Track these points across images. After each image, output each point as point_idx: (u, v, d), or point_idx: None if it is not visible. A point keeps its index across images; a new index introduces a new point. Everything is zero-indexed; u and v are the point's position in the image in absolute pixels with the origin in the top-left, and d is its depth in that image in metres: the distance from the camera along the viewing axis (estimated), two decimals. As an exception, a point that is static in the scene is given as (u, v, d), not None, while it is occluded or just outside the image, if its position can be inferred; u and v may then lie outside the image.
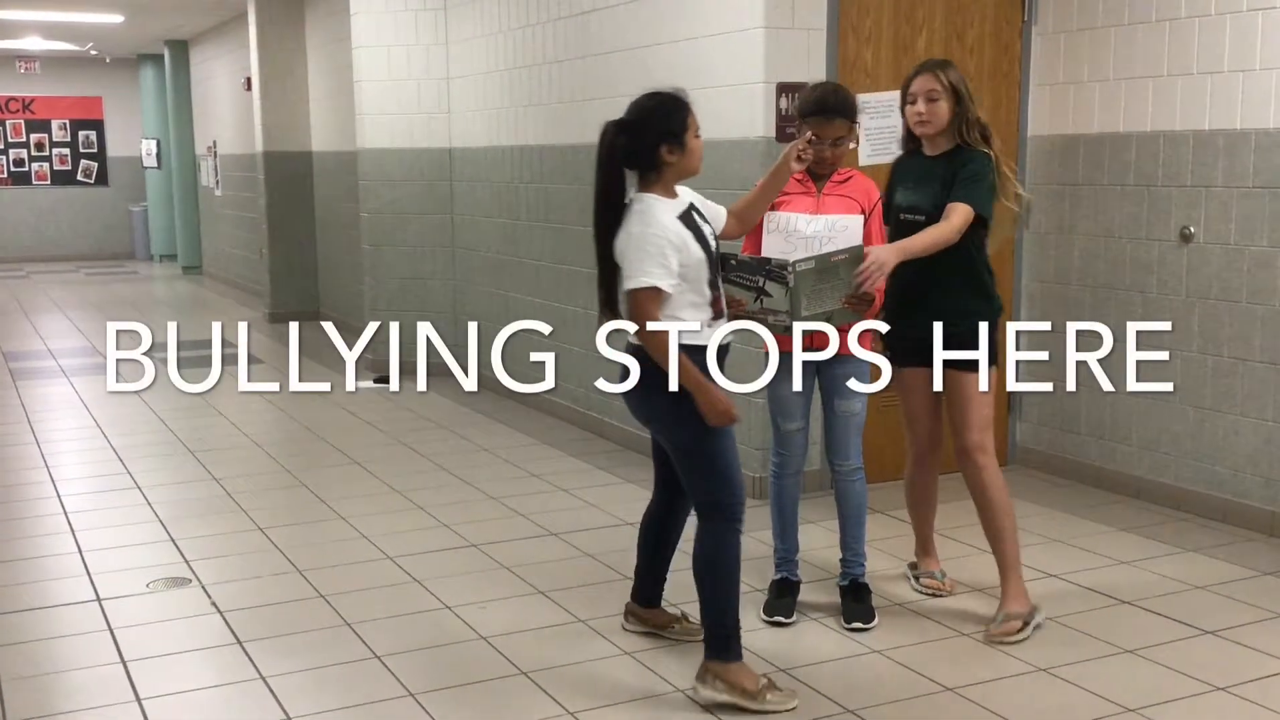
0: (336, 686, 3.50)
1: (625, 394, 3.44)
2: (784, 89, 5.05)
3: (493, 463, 6.05)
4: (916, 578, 4.20)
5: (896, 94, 5.20)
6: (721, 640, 3.33)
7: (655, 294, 3.23)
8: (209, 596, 4.20)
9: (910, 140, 3.91)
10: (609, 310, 3.39)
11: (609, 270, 3.34)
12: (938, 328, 3.72)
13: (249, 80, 11.63)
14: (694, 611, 3.51)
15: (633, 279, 3.24)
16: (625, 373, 3.40)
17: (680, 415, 3.29)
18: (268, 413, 7.43)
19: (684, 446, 3.38)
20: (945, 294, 3.77)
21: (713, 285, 3.37)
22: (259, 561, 4.57)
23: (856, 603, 3.90)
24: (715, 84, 5.39)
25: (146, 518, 5.15)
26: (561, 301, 6.97)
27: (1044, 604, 3.90)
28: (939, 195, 3.70)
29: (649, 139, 3.32)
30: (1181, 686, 3.41)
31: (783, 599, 3.93)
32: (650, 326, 3.24)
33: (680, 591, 3.80)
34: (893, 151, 5.10)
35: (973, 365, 3.76)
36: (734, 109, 5.24)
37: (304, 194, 11.24)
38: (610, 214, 3.32)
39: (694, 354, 3.27)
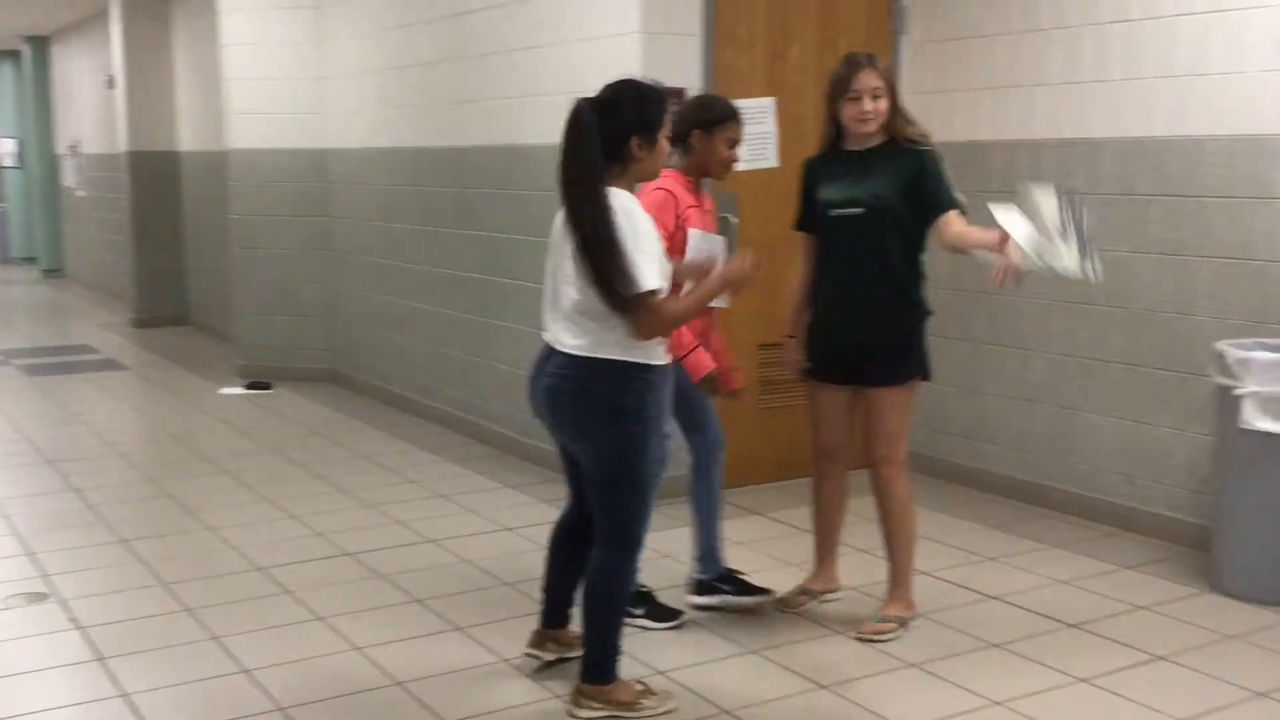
0: (202, 703, 3.40)
1: (554, 404, 3.19)
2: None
3: (370, 469, 5.95)
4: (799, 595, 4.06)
5: (771, 100, 5.27)
6: (600, 665, 3.28)
7: (655, 299, 3.01)
8: (68, 612, 4.04)
9: (833, 138, 3.78)
10: (561, 312, 3.12)
11: (577, 264, 3.01)
12: (870, 335, 3.73)
13: (112, 78, 11.24)
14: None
15: (642, 282, 2.96)
16: (553, 385, 3.16)
17: (614, 439, 3.11)
18: (132, 420, 7.19)
19: (610, 473, 3.16)
20: (884, 303, 3.73)
21: (675, 286, 3.25)
22: (121, 575, 4.41)
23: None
24: (591, 88, 5.37)
25: (2, 531, 4.94)
26: (440, 306, 6.89)
27: (915, 599, 3.98)
28: (882, 188, 3.65)
29: (622, 125, 3.05)
30: (1045, 679, 3.51)
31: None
32: (665, 325, 3.07)
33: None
34: (768, 158, 5.17)
35: (901, 376, 3.77)
36: (611, 113, 5.24)
37: (171, 195, 10.91)
38: (589, 204, 2.98)
39: (648, 373, 3.09)
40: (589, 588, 3.28)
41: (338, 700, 3.40)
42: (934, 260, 5.65)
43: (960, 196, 3.70)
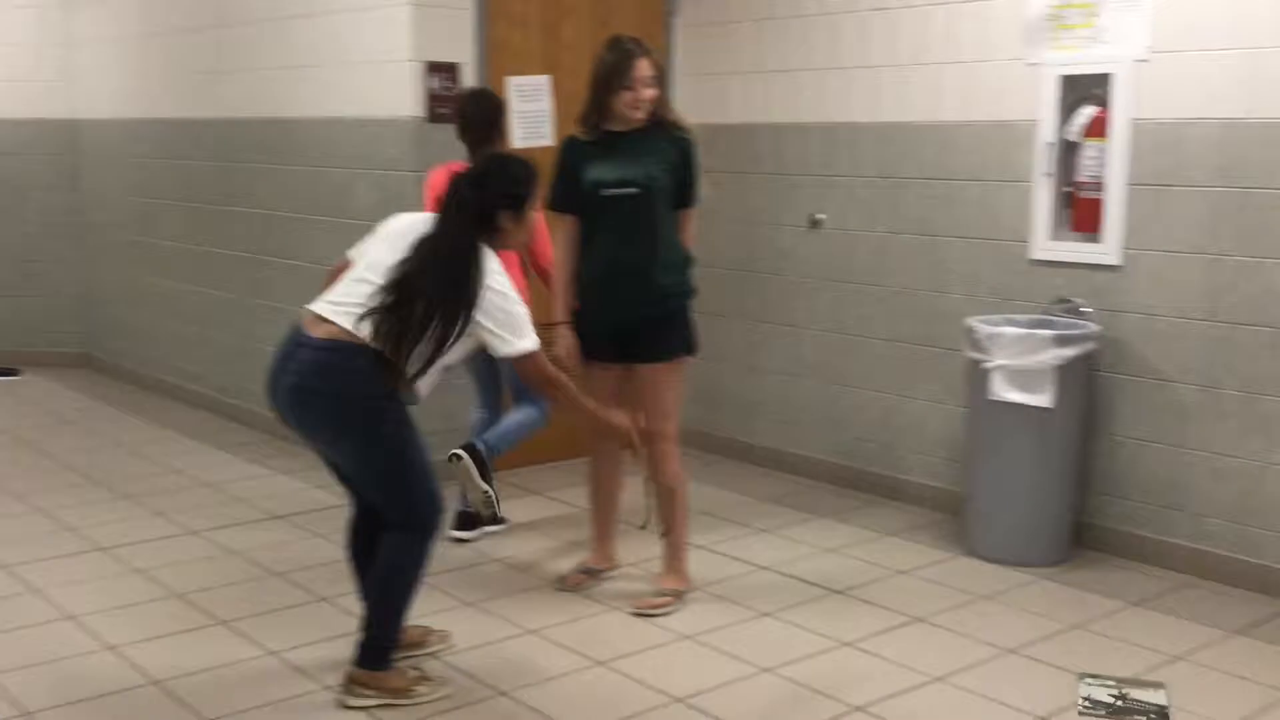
0: (-66, 714, 3.14)
1: (300, 406, 3.08)
2: (434, 68, 4.96)
3: (127, 459, 5.63)
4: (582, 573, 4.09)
5: (547, 78, 5.24)
6: (378, 651, 3.20)
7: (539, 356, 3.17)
8: None
9: (602, 119, 3.75)
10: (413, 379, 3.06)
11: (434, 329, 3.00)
12: (641, 312, 3.77)
13: None
14: (429, 622, 3.34)
15: (521, 342, 3.11)
16: (296, 388, 3.06)
17: (375, 433, 3.04)
18: None
19: (378, 466, 3.11)
20: (656, 281, 3.77)
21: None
22: None
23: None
24: (362, 60, 5.24)
25: None
26: (203, 285, 6.58)
27: (691, 572, 4.05)
28: (654, 169, 3.71)
29: (492, 198, 3.14)
30: (813, 644, 3.63)
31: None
32: (557, 381, 3.26)
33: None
34: (544, 135, 5.15)
35: (672, 351, 3.83)
36: (382, 87, 5.12)
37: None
38: (460, 271, 3.03)
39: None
40: (377, 572, 3.20)
41: (89, 703, 3.20)
42: (711, 239, 5.76)
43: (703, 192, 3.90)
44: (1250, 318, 3.99)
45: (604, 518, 4.12)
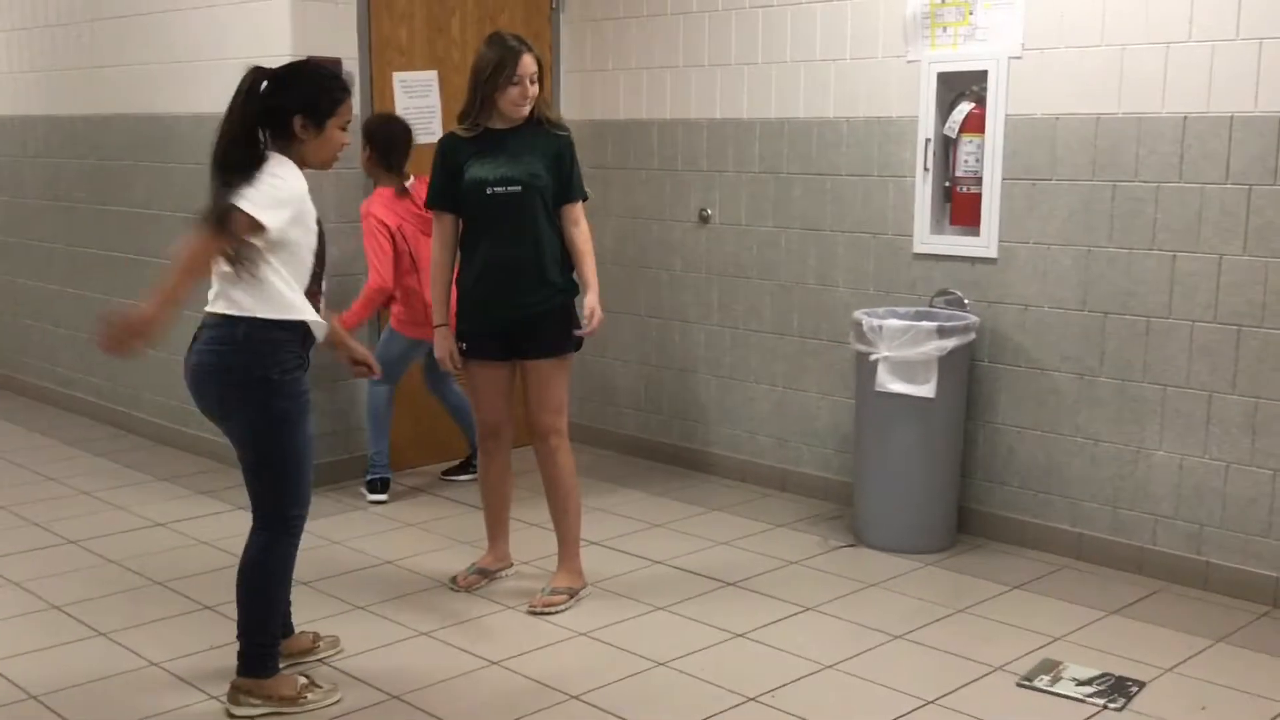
0: None
1: (197, 379, 3.05)
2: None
3: (1, 468, 5.43)
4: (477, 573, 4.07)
5: (434, 73, 5.19)
6: (258, 657, 3.14)
7: (248, 222, 2.85)
8: None
9: (483, 117, 3.71)
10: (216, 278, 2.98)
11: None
12: (528, 309, 3.76)
13: None
14: (318, 627, 3.26)
15: (234, 200, 2.85)
16: (199, 358, 3.02)
17: (259, 412, 3.00)
18: None
19: (257, 448, 3.06)
20: (541, 278, 3.76)
21: (315, 278, 3.09)
22: None
23: None
24: (239, 56, 5.10)
25: None
26: (78, 287, 6.37)
27: (587, 569, 4.05)
28: (536, 167, 3.71)
29: (287, 101, 2.99)
30: (708, 637, 3.66)
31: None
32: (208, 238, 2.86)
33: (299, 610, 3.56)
34: (433, 131, 5.10)
35: (558, 347, 3.82)
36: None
37: None
38: (235, 162, 2.92)
39: (285, 329, 2.99)
40: (241, 574, 3.14)
41: (-40, 723, 3.08)
42: (601, 235, 5.76)
43: (588, 188, 3.92)
44: (1121, 307, 4.13)
45: (496, 517, 4.10)
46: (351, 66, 4.98)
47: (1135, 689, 3.29)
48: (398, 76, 5.04)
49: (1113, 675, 3.37)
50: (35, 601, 3.88)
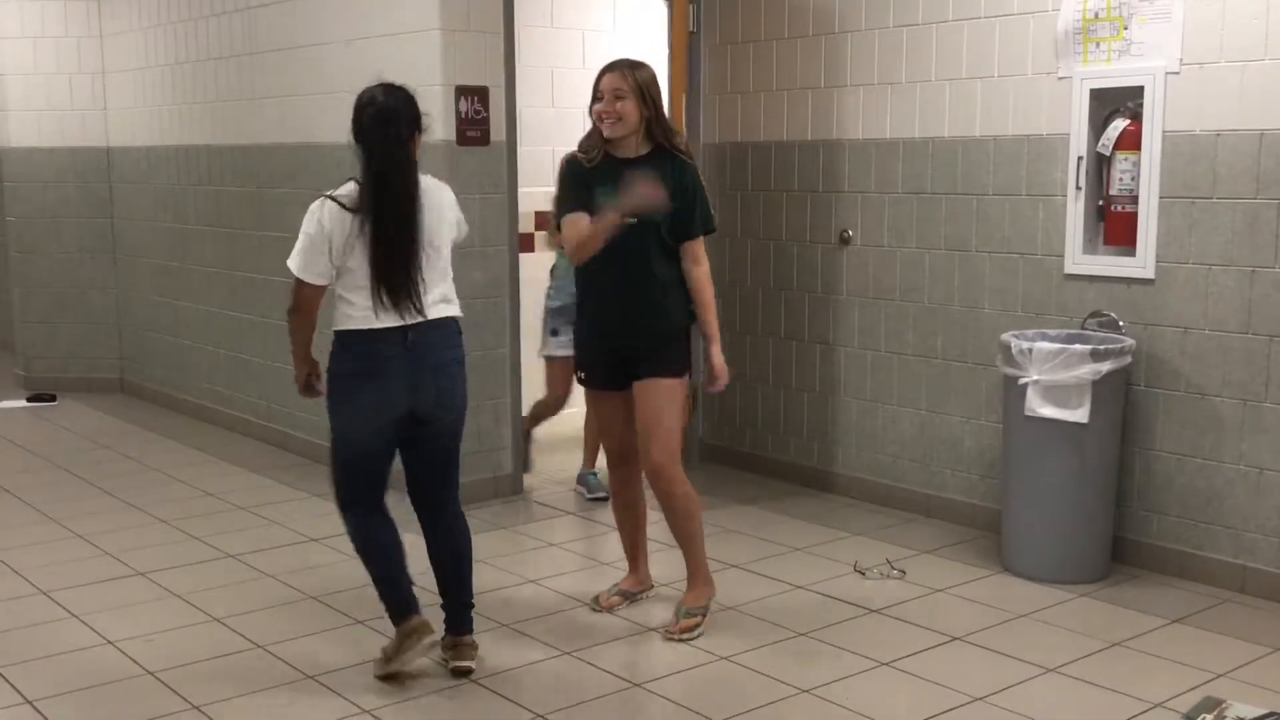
0: (-21, 740, 3.17)
1: (453, 375, 3.46)
2: (462, 92, 4.99)
3: (163, 483, 5.67)
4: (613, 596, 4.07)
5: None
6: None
7: (295, 283, 3.41)
8: None
9: (598, 141, 3.74)
10: (411, 298, 3.31)
11: (415, 251, 3.31)
12: (635, 339, 3.75)
13: None
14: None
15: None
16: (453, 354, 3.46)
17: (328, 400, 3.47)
18: (-102, 439, 6.68)
19: (461, 434, 3.61)
20: (643, 308, 3.74)
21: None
22: (-115, 607, 4.08)
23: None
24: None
25: None
26: (236, 310, 6.63)
27: (726, 592, 4.03)
28: None
29: (405, 121, 3.31)
30: (851, 665, 3.60)
31: None
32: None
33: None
34: None
35: (665, 370, 3.76)
36: (412, 111, 5.14)
37: (-60, 196, 10.17)
38: (412, 186, 3.33)
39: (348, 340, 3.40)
40: (463, 550, 3.65)
41: (129, 729, 3.22)
42: (742, 257, 5.76)
43: (715, 217, 3.88)
44: (1289, 330, 3.95)
45: (632, 542, 4.12)
46: (497, 95, 5.10)
47: (1307, 732, 3.14)
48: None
49: (1281, 716, 3.22)
50: (197, 614, 4.03)
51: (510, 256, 5.26)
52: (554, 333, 5.19)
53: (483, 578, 4.32)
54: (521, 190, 5.39)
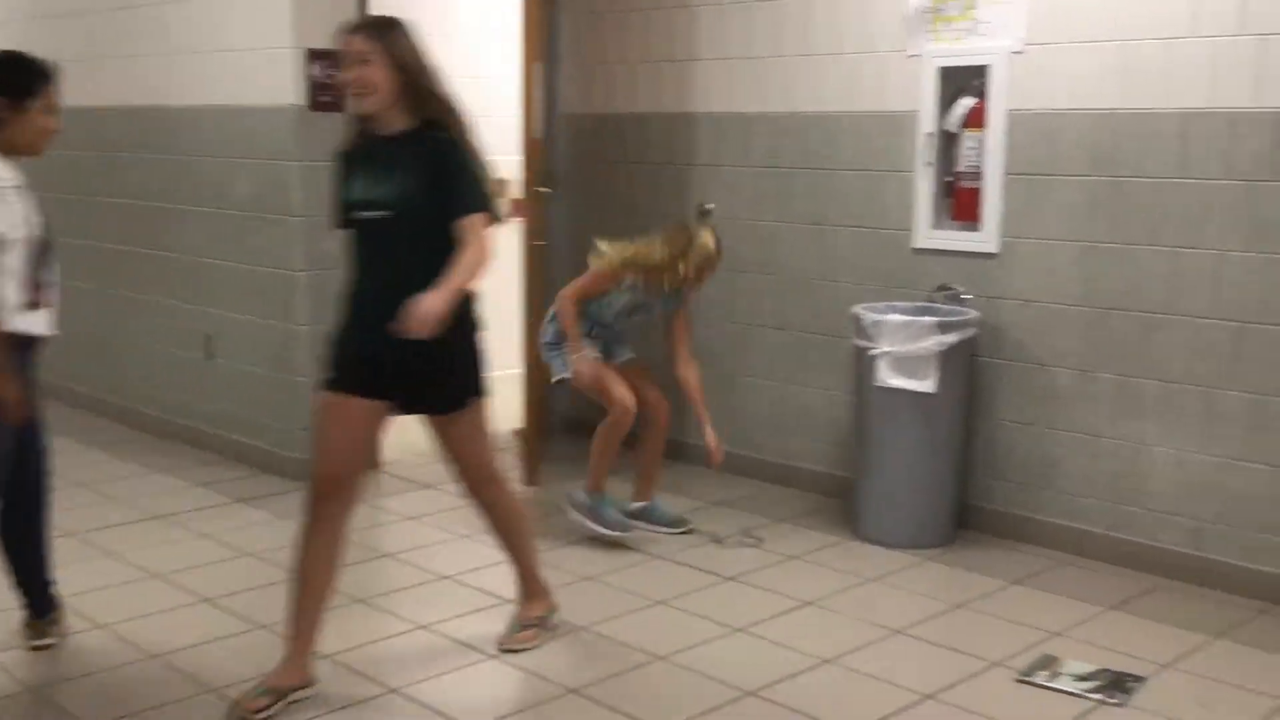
0: None
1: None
2: (315, 55, 4.86)
3: None
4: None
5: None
6: None
7: None
8: None
9: (357, 118, 3.16)
10: None
11: None
12: (413, 361, 3.10)
13: None
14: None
15: None
16: None
17: None
18: None
19: None
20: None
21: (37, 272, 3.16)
22: None
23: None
24: (241, 47, 5.11)
25: None
26: (71, 279, 6.36)
27: (587, 562, 4.04)
28: (406, 185, 3.05)
29: None
30: (706, 631, 3.66)
31: None
32: None
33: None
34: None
35: (463, 397, 3.26)
36: (262, 74, 5.00)
37: None
38: None
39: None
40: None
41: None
42: (601, 231, 5.74)
43: (498, 202, 3.21)
44: (1122, 303, 4.12)
45: (309, 607, 3.20)
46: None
47: (1134, 685, 3.29)
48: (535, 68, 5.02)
49: (1111, 671, 3.37)
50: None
51: (366, 226, 5.15)
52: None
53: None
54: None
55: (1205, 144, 3.88)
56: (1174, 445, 4.05)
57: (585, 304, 4.37)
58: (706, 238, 4.32)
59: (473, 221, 3.08)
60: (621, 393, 4.33)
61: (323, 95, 4.88)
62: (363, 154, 3.14)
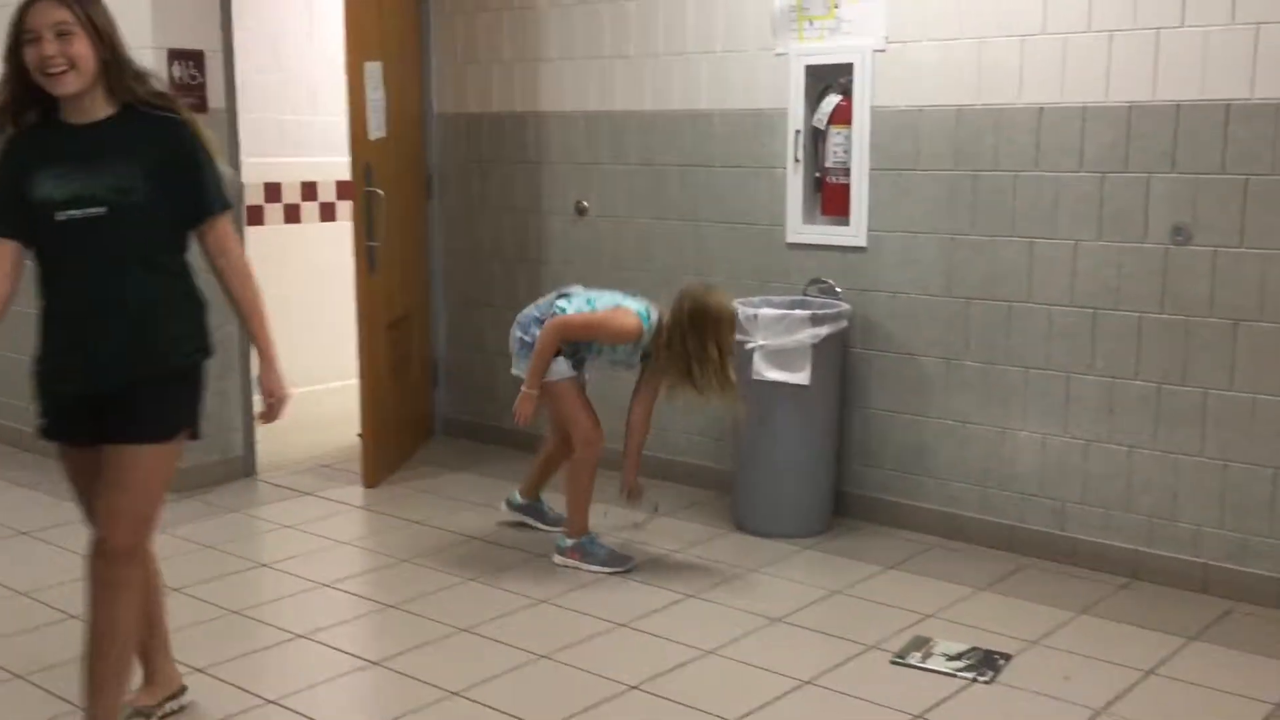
0: None
1: None
2: (176, 55, 4.75)
3: None
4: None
5: (379, 64, 5.04)
6: None
7: None
8: None
9: (23, 104, 2.67)
10: None
11: None
12: (125, 377, 2.67)
13: None
14: None
15: None
16: None
17: None
18: None
19: None
20: (143, 335, 2.68)
21: None
22: None
23: None
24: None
25: None
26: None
27: (469, 564, 4.02)
28: (125, 177, 2.62)
29: None
30: (588, 626, 3.68)
31: None
32: None
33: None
34: (382, 127, 5.02)
35: (156, 430, 2.71)
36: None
37: None
38: None
39: None
40: None
41: None
42: (478, 229, 5.71)
43: (229, 194, 2.86)
44: (984, 292, 4.25)
45: (147, 654, 3.03)
46: (216, 60, 4.88)
47: (1003, 661, 3.41)
48: (368, 67, 4.91)
49: (981, 649, 3.48)
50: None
51: (236, 229, 5.04)
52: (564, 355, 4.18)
53: (217, 564, 4.18)
54: (247, 160, 5.21)
55: (1057, 137, 4.03)
56: (1036, 429, 4.20)
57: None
58: (707, 300, 4.02)
59: (223, 224, 2.77)
60: (589, 423, 4.17)
61: (185, 97, 4.75)
62: (47, 144, 2.66)
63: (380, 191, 4.98)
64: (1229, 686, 3.27)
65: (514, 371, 4.25)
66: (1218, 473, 3.87)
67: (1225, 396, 3.83)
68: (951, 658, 3.43)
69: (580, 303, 4.15)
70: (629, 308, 4.10)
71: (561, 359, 4.10)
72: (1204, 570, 3.92)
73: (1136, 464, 4.02)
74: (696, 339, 3.95)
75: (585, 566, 4.15)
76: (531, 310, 4.23)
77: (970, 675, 3.33)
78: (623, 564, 4.15)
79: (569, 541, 4.21)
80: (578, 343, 4.13)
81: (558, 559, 4.19)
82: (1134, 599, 3.89)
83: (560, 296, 4.21)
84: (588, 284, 5.19)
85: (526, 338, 4.16)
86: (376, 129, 5.01)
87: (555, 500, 4.51)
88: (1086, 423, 4.10)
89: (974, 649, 3.48)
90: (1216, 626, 3.67)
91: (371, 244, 4.99)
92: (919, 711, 3.13)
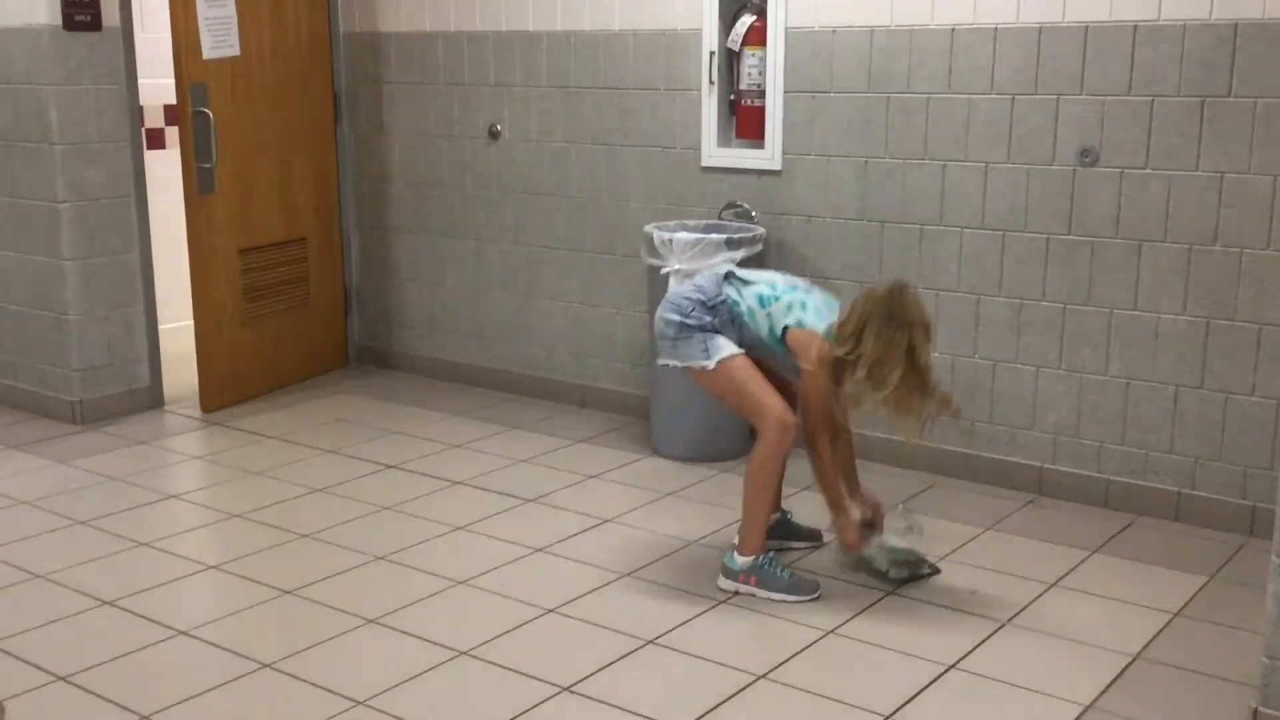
0: None
1: None
2: (66, -30, 4.55)
3: None
4: None
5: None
6: None
7: None
8: None
9: None
10: None
11: None
12: None
13: None
14: None
15: None
16: None
17: None
18: None
19: None
20: None
21: None
22: None
23: None
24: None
25: None
26: None
27: (382, 491, 4.00)
28: None
29: None
30: (507, 553, 3.68)
31: None
32: None
33: None
34: (232, 44, 4.85)
35: None
36: (9, -9, 4.66)
37: None
38: None
39: None
40: None
41: None
42: (388, 153, 5.62)
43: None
44: (897, 216, 4.28)
45: None
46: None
47: (929, 573, 3.48)
48: None
49: (917, 554, 3.51)
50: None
51: (133, 152, 4.89)
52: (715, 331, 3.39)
53: (127, 495, 4.10)
54: (144, 81, 5.03)
55: (969, 59, 4.04)
56: (946, 351, 4.25)
57: (738, 316, 3.38)
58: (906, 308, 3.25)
59: None
60: (780, 404, 3.30)
61: (79, 14, 4.57)
62: None
63: (209, 112, 4.83)
64: (1131, 596, 3.38)
65: (660, 362, 3.54)
66: (1120, 391, 3.97)
67: (1129, 316, 3.92)
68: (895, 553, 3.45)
69: (791, 297, 3.37)
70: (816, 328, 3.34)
71: (721, 336, 3.35)
72: (1106, 485, 4.04)
73: (1042, 383, 4.10)
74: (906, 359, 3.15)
75: (768, 595, 3.34)
76: (688, 290, 3.41)
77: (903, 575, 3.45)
78: (810, 591, 3.36)
79: (743, 561, 3.38)
80: (740, 320, 3.38)
81: (725, 583, 3.39)
82: (1039, 514, 3.99)
83: (741, 283, 3.41)
84: (500, 209, 5.13)
85: (690, 321, 3.35)
86: (215, 48, 4.84)
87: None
88: (995, 343, 4.17)
89: (911, 550, 3.47)
90: (1118, 539, 3.78)
91: (205, 165, 4.86)
92: (843, 621, 3.19)
